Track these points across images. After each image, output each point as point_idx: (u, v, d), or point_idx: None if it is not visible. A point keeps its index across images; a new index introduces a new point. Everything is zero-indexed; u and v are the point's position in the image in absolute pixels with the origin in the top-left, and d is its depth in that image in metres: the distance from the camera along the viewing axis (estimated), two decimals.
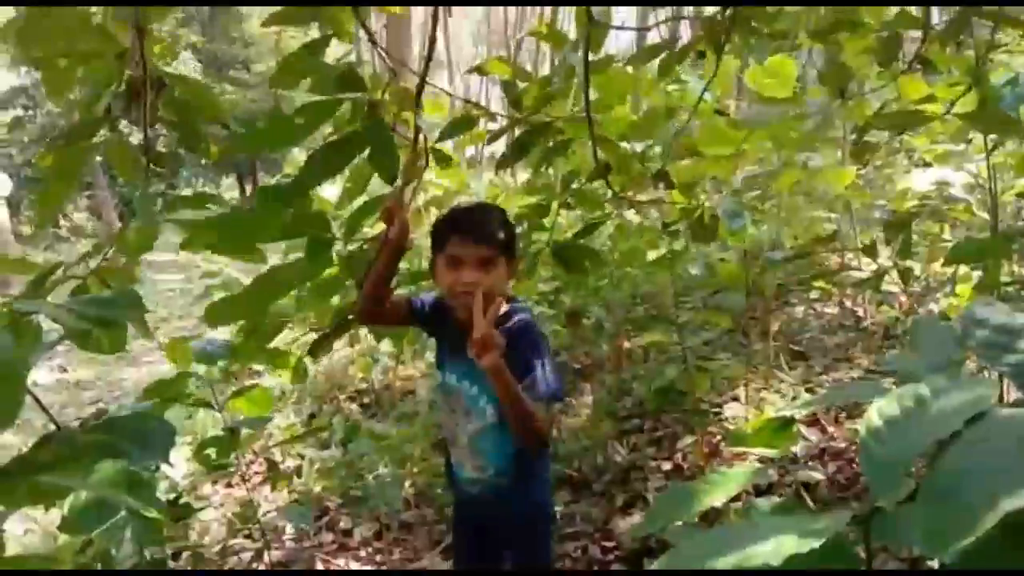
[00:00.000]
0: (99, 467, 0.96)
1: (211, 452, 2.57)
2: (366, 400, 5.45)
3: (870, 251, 3.43)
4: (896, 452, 0.79)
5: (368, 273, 1.87)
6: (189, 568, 2.97)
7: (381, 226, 1.90)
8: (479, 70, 2.13)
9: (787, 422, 1.14)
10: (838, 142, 4.48)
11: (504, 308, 1.91)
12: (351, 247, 1.85)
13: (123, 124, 1.67)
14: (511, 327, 1.88)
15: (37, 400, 1.06)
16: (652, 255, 4.16)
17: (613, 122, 2.22)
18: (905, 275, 3.55)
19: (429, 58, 1.60)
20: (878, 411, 0.85)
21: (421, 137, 1.84)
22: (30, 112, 21.44)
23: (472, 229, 1.88)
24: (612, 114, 2.20)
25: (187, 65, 21.79)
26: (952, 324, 1.21)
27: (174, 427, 1.10)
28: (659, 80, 1.97)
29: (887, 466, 0.79)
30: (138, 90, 1.56)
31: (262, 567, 3.27)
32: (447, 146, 2.13)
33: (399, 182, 1.81)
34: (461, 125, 1.95)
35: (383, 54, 1.86)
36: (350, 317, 2.11)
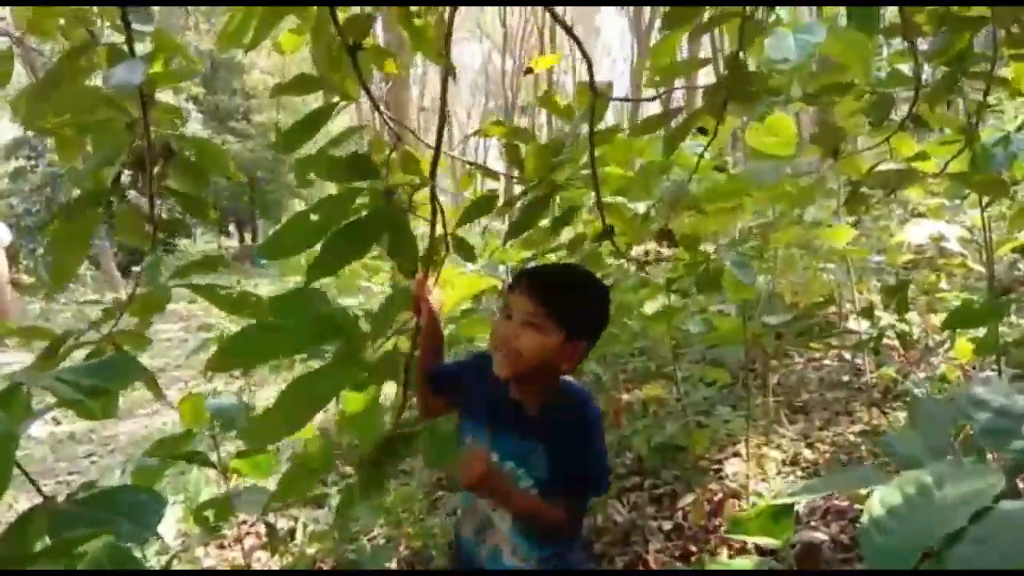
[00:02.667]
0: (88, 547, 0.94)
1: (209, 515, 2.52)
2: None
3: (868, 313, 3.43)
4: (900, 545, 0.77)
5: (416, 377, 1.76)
6: None
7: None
8: (480, 133, 2.14)
9: (785, 509, 1.12)
10: (832, 192, 4.52)
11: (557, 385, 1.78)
12: (385, 345, 1.80)
13: (131, 192, 1.68)
14: (566, 414, 1.73)
15: (24, 472, 1.05)
16: (650, 308, 4.16)
17: (609, 178, 2.23)
18: (904, 340, 3.54)
19: (440, 132, 1.61)
20: (880, 500, 0.83)
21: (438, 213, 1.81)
22: (32, 162, 21.66)
23: (532, 282, 1.72)
24: (607, 171, 2.21)
25: (190, 116, 22.09)
26: (951, 398, 1.20)
27: (164, 499, 1.08)
28: (664, 154, 1.97)
29: (890, 558, 0.78)
30: (143, 160, 1.57)
31: None
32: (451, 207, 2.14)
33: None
34: (482, 207, 1.93)
35: (387, 118, 1.87)
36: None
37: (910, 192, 4.48)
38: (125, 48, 1.55)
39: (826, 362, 5.99)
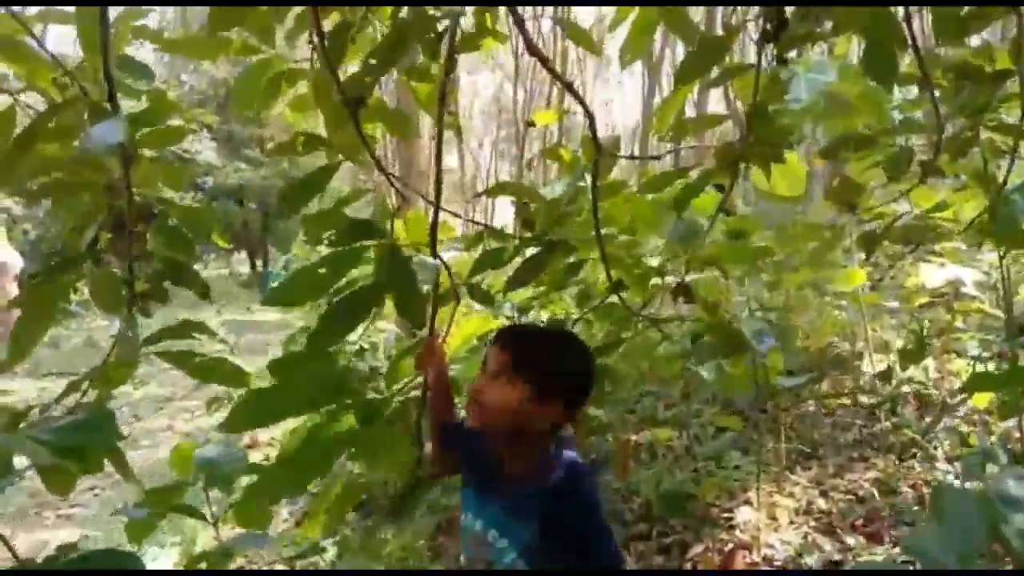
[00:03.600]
0: None
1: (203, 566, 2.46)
2: (362, 497, 5.30)
3: (886, 376, 3.35)
4: None
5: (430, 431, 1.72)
6: None
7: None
8: (489, 192, 2.10)
9: None
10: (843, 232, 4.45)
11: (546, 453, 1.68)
12: (395, 401, 1.76)
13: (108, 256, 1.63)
14: (556, 484, 1.61)
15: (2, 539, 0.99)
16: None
17: (615, 207, 2.17)
18: (923, 398, 3.45)
19: (438, 192, 1.56)
20: None
21: (441, 269, 1.78)
22: None
23: (505, 334, 1.67)
24: (614, 203, 2.15)
25: (203, 144, 22.28)
26: (979, 489, 1.12)
27: (143, 565, 1.03)
28: (675, 213, 1.91)
29: None
30: (122, 223, 1.52)
31: None
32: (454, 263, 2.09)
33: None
34: (491, 260, 1.88)
35: (392, 179, 1.83)
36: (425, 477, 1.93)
37: None
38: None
39: (840, 402, 5.87)
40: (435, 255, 1.65)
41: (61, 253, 1.57)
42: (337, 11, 1.92)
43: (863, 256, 4.41)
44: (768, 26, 1.98)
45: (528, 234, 1.96)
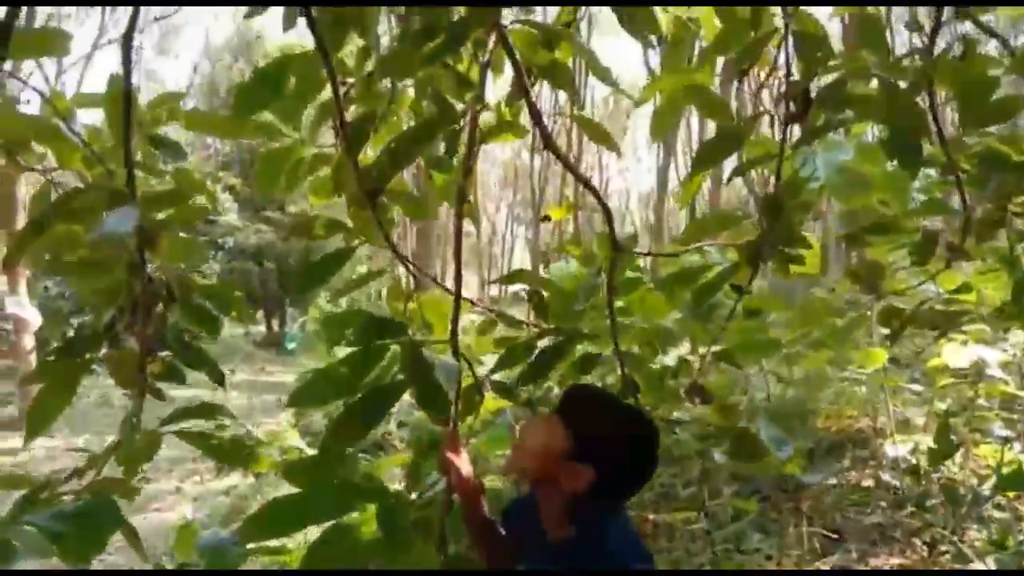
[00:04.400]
0: None
1: None
2: None
3: (914, 472, 3.26)
4: None
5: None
6: None
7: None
8: (504, 280, 2.09)
9: None
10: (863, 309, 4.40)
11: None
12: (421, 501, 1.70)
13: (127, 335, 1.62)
14: (582, 549, 1.53)
15: None
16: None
17: (632, 304, 2.14)
18: (949, 493, 3.34)
19: (458, 291, 1.54)
20: None
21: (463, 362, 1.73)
22: None
23: (572, 389, 1.60)
24: (630, 300, 2.12)
25: (224, 206, 22.62)
26: None
27: None
28: (694, 311, 1.89)
29: None
30: (139, 304, 1.51)
31: None
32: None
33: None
34: (515, 357, 1.84)
35: (407, 263, 1.82)
36: None
37: None
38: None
39: (864, 482, 5.72)
40: (457, 353, 1.61)
41: (81, 328, 1.56)
42: (360, 100, 1.94)
43: (883, 331, 4.35)
44: (792, 106, 1.99)
45: (542, 323, 1.93)
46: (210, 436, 1.67)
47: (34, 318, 13.70)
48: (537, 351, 1.87)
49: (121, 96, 1.35)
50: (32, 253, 1.58)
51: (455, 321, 1.64)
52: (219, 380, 1.61)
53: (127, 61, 1.36)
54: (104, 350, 1.56)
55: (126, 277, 1.58)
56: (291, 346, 24.58)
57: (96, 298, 1.58)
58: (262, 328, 30.40)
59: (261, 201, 24.57)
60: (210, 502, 7.97)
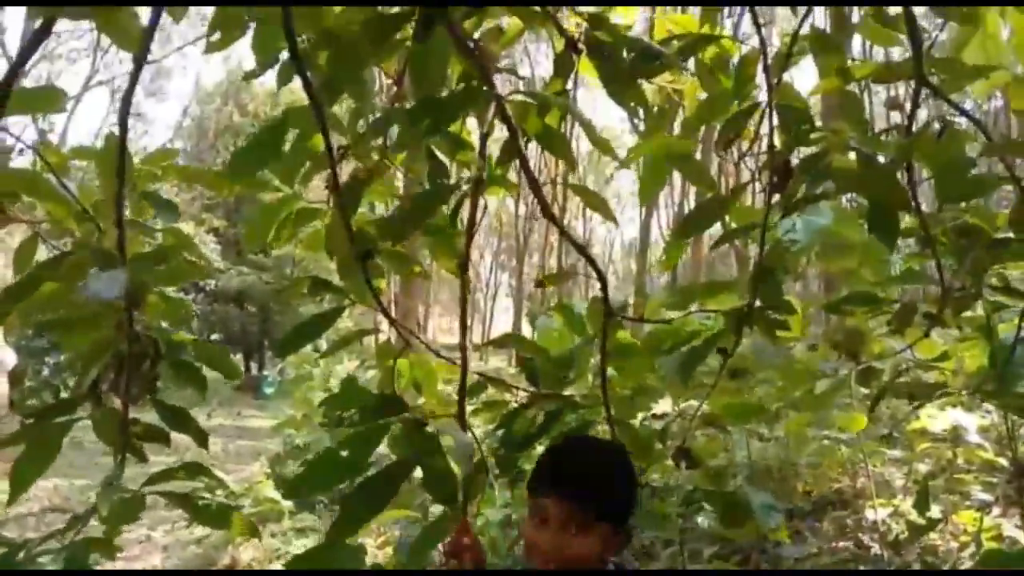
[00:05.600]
0: None
1: None
2: None
3: (895, 544, 3.27)
4: None
5: None
6: None
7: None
8: (493, 343, 2.10)
9: None
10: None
11: None
12: None
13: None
14: None
15: None
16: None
17: (623, 371, 2.14)
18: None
19: (464, 364, 1.54)
20: None
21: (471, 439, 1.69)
22: None
23: (563, 482, 1.52)
24: (620, 365, 2.13)
25: (207, 246, 22.55)
26: None
27: None
28: (681, 380, 1.90)
29: None
30: (124, 363, 1.51)
31: None
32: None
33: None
34: (518, 427, 1.83)
35: (397, 325, 1.83)
36: None
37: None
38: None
39: (842, 543, 5.68)
40: (464, 427, 1.60)
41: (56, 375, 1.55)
42: (354, 156, 1.97)
43: (863, 390, 4.38)
44: (775, 178, 2.04)
45: (531, 387, 1.94)
46: (196, 498, 1.65)
47: (10, 359, 13.49)
48: (527, 418, 1.87)
49: (115, 155, 1.36)
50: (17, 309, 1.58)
51: (462, 394, 1.63)
52: (203, 443, 1.60)
53: (123, 123, 1.38)
54: (87, 409, 1.55)
55: (112, 335, 1.58)
56: (269, 391, 24.31)
57: (82, 356, 1.57)
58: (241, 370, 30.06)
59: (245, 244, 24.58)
60: (180, 553, 7.77)
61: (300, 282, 1.85)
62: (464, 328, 1.65)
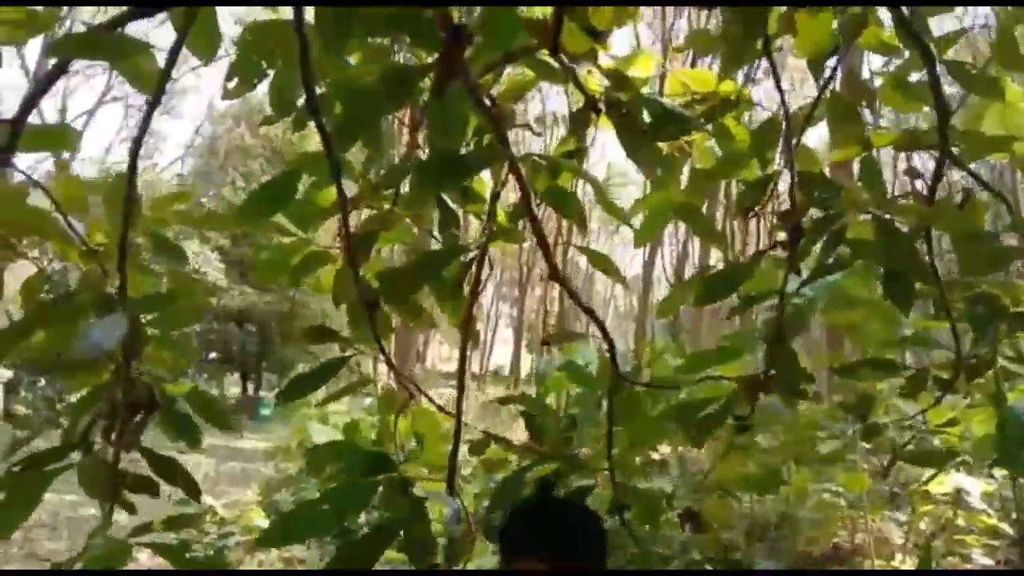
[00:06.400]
0: None
1: None
2: None
3: None
4: None
5: None
6: None
7: None
8: (501, 401, 2.07)
9: None
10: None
11: None
12: None
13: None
14: None
15: None
16: None
17: (630, 430, 2.10)
18: None
19: (458, 432, 1.50)
20: None
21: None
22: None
23: (550, 541, 1.49)
24: (629, 427, 2.09)
25: (211, 265, 22.58)
26: None
27: None
28: (695, 445, 1.87)
29: None
30: (117, 411, 1.47)
31: None
32: None
33: None
34: (510, 491, 1.79)
35: (401, 378, 1.79)
36: None
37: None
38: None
39: None
40: (452, 491, 1.56)
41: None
42: (367, 203, 1.95)
43: (865, 445, 4.32)
44: (786, 235, 2.01)
45: (535, 445, 1.89)
46: (185, 548, 1.60)
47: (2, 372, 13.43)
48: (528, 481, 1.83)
49: (122, 196, 1.34)
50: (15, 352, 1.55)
51: (454, 455, 1.59)
52: (194, 495, 1.55)
53: (132, 169, 1.35)
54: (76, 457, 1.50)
55: (110, 380, 1.54)
56: (265, 412, 24.20)
57: (80, 401, 1.54)
58: (237, 390, 29.92)
59: (249, 264, 24.59)
60: None
61: (306, 331, 1.82)
62: (461, 390, 1.61)
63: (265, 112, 1.81)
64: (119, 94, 35.15)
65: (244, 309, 26.02)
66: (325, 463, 1.58)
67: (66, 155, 2.20)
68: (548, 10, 1.43)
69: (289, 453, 8.68)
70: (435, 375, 26.79)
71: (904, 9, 1.64)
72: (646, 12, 29.37)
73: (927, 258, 2.04)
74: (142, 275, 1.73)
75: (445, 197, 1.96)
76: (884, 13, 1.95)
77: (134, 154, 1.33)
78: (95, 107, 32.82)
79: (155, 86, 1.30)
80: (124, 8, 1.30)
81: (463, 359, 1.68)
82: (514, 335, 46.35)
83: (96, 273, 1.66)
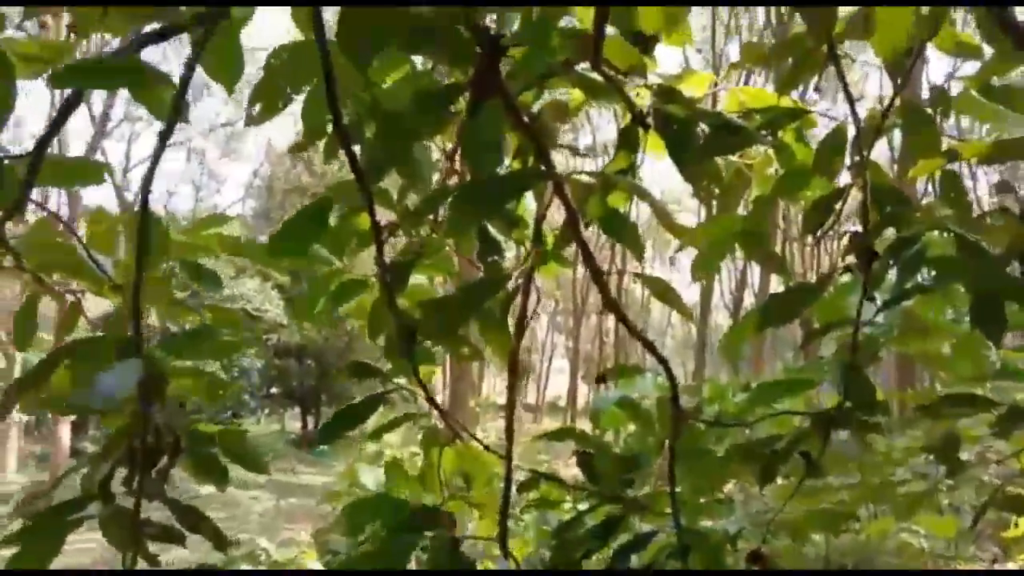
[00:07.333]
0: None
1: None
2: None
3: None
4: None
5: None
6: None
7: None
8: (550, 436, 1.94)
9: None
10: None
11: None
12: None
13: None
14: None
15: None
16: None
17: (693, 472, 1.94)
18: None
19: (507, 496, 1.37)
20: None
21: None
22: None
23: None
24: (692, 468, 1.93)
25: (272, 302, 23.00)
26: None
27: None
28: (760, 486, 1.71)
29: None
30: (138, 457, 1.37)
31: None
32: None
33: None
34: (567, 543, 1.66)
35: (443, 414, 1.68)
36: None
37: None
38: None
39: None
40: (505, 552, 1.43)
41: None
42: (404, 233, 1.85)
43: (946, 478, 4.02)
44: (858, 257, 1.84)
45: (590, 485, 1.75)
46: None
47: None
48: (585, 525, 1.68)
49: (139, 241, 1.26)
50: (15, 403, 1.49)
51: (504, 511, 1.45)
52: (221, 546, 1.45)
53: (145, 202, 1.26)
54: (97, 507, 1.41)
55: (128, 425, 1.45)
56: (324, 446, 24.39)
57: (100, 448, 1.46)
58: (297, 425, 30.27)
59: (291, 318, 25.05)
60: None
61: (347, 367, 1.73)
62: (511, 434, 1.47)
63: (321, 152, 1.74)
64: (181, 139, 36.35)
65: (304, 345, 26.40)
66: (363, 522, 1.46)
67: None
68: (589, 17, 1.31)
69: (338, 498, 8.59)
70: (491, 407, 26.67)
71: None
72: (696, 35, 29.22)
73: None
74: (171, 307, 1.66)
75: (488, 226, 1.86)
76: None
77: (146, 186, 1.25)
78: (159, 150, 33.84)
79: (169, 112, 1.21)
80: (140, 33, 1.23)
81: (511, 398, 1.55)
82: (570, 366, 45.99)
83: (124, 311, 1.60)
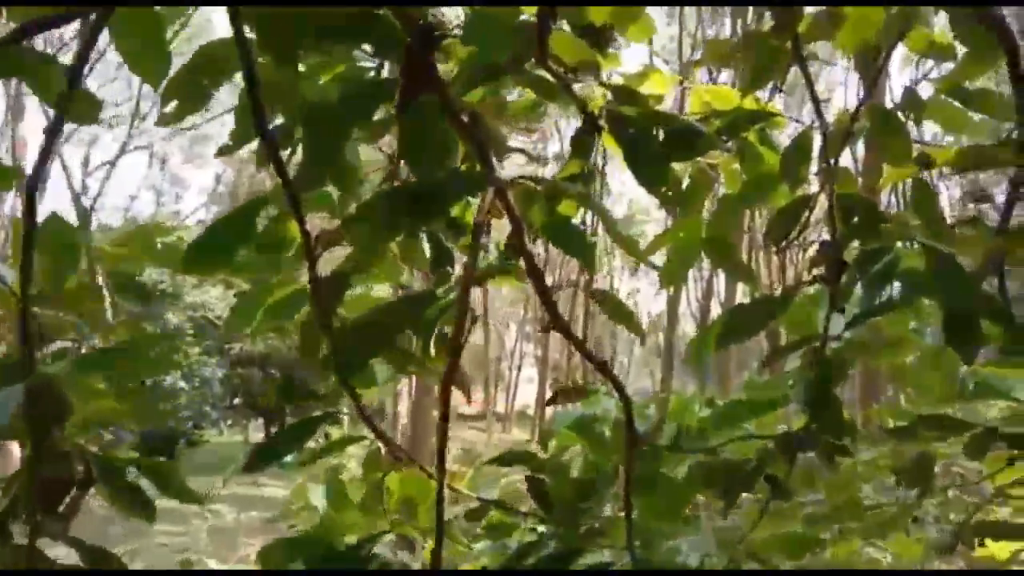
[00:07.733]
0: None
1: None
2: None
3: None
4: None
5: None
6: None
7: None
8: (499, 462, 1.82)
9: None
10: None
11: None
12: None
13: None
14: None
15: None
16: None
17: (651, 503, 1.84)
18: None
19: (440, 516, 1.24)
20: None
21: None
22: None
23: None
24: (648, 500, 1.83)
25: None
26: None
27: None
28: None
29: None
30: (38, 491, 1.23)
31: None
32: None
33: None
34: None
35: (386, 440, 1.55)
36: None
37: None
38: None
39: None
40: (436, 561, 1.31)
41: None
42: (345, 241, 1.72)
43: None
44: (827, 269, 1.75)
45: (542, 513, 1.63)
46: None
47: None
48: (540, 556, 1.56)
49: (24, 249, 1.10)
50: None
51: (439, 539, 1.32)
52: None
53: (31, 204, 1.11)
54: None
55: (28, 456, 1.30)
56: (289, 458, 23.97)
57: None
58: (261, 436, 29.74)
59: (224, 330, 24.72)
60: None
61: (277, 389, 1.59)
62: (442, 462, 1.33)
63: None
64: (143, 143, 35.74)
65: (267, 354, 25.97)
66: (280, 566, 1.33)
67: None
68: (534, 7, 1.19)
69: (294, 516, 8.37)
70: (456, 418, 26.47)
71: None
72: (663, 46, 29.37)
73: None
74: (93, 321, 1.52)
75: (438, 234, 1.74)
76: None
77: (32, 187, 1.10)
78: (118, 156, 33.26)
79: (57, 99, 1.07)
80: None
81: (444, 426, 1.42)
82: (539, 375, 45.84)
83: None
